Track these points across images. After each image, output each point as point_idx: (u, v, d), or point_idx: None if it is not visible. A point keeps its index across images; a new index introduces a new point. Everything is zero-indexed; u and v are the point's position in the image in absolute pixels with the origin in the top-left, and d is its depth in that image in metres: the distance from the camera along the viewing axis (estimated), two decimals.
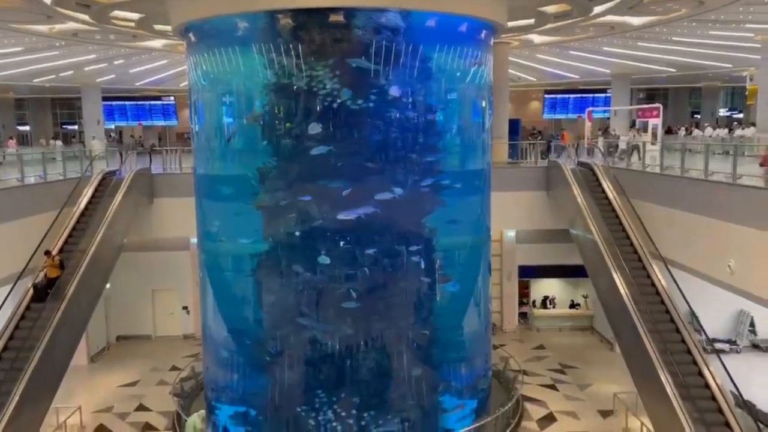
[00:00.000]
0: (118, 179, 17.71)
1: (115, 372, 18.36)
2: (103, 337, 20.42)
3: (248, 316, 13.82)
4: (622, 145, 19.66)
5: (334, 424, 12.98)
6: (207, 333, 14.96)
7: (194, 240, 16.77)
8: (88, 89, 33.56)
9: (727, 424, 11.49)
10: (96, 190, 17.17)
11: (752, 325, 19.34)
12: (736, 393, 12.20)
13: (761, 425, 12.24)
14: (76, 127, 44.00)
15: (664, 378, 12.14)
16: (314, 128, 12.44)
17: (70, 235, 15.63)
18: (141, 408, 15.88)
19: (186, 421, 11.93)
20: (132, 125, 44.58)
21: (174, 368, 17.99)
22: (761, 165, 11.04)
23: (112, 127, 44.14)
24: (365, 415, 12.97)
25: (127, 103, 43.19)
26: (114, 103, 42.25)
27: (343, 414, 12.98)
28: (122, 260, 17.59)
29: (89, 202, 16.74)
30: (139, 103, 43.42)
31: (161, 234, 18.84)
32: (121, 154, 20.64)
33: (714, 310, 17.97)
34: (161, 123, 44.75)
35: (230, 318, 14.17)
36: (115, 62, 28.69)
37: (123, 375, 18.06)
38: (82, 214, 16.33)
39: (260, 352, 13.59)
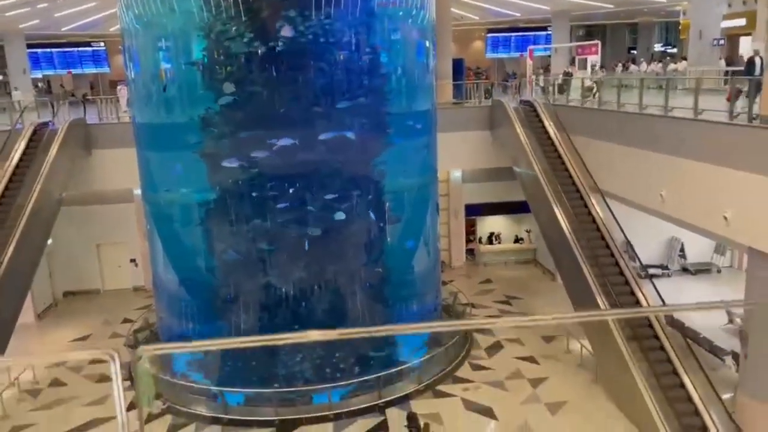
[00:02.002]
0: (52, 131, 16.97)
1: (65, 327, 18.11)
2: (48, 293, 19.97)
3: (200, 265, 13.82)
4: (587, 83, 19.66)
5: (290, 366, 13.33)
6: (159, 284, 14.90)
7: (138, 191, 16.41)
8: (10, 36, 31.42)
9: (659, 341, 12.43)
10: (29, 142, 16.43)
11: (682, 250, 20.57)
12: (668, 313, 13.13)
13: (689, 341, 13.27)
14: (0, 77, 41.38)
15: (602, 302, 12.93)
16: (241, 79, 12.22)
17: (5, 190, 15.01)
18: (95, 361, 15.73)
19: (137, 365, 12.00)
20: (60, 74, 42.21)
21: (126, 320, 17.88)
22: (727, 100, 11.59)
23: (40, 76, 41.70)
24: (321, 354, 13.36)
25: (54, 50, 40.68)
26: (39, 50, 39.74)
27: (299, 356, 13.34)
28: (64, 215, 17.11)
29: (23, 156, 16.04)
30: (67, 50, 40.95)
31: (102, 186, 18.31)
32: (52, 105, 19.68)
33: (648, 238, 19.02)
34: (92, 71, 42.47)
35: (182, 268, 14.14)
36: (39, 5, 26.87)
37: (73, 330, 17.84)
38: (16, 168, 15.66)
39: (214, 299, 13.68)
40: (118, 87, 21.79)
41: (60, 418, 13.03)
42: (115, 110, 20.16)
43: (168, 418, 12.80)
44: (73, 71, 42.66)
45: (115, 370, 2.50)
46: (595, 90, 17.99)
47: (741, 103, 11.55)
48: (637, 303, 13.12)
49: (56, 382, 14.73)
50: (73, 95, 32.25)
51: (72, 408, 13.47)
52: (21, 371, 14.41)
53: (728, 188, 10.91)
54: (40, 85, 41.29)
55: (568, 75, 22.16)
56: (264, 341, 2.74)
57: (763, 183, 9.93)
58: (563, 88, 20.19)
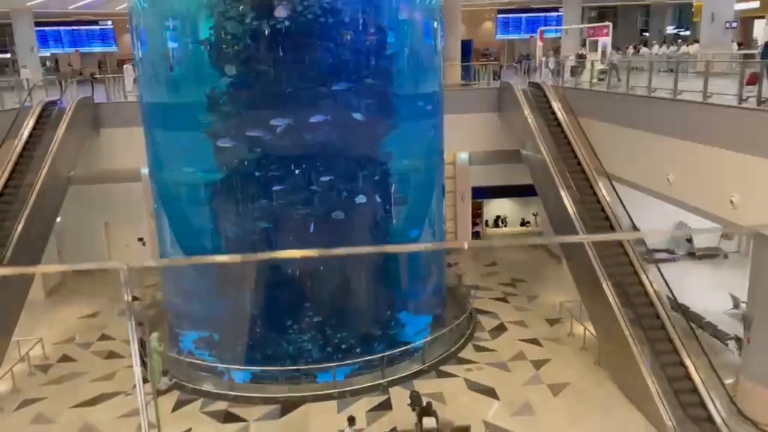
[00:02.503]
0: (60, 109, 17.04)
1: (74, 304, 18.34)
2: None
3: (206, 244, 13.91)
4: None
5: (298, 345, 13.47)
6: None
7: (145, 171, 16.50)
8: (18, 13, 31.40)
9: (663, 326, 12.47)
10: (37, 121, 16.52)
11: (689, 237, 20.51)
12: (672, 297, 13.16)
13: (693, 325, 13.29)
14: (8, 55, 41.37)
15: (606, 286, 12.96)
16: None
17: (14, 169, 15.13)
18: (104, 337, 16.05)
19: (147, 343, 12.23)
20: (68, 52, 42.19)
21: (134, 298, 18.05)
22: (748, 84, 11.45)
23: (48, 54, 41.71)
24: (327, 333, 13.48)
25: (61, 28, 40.67)
26: (48, 28, 39.73)
27: (306, 335, 13.47)
28: (73, 194, 17.23)
29: (31, 134, 16.14)
30: (74, 28, 40.91)
31: (110, 165, 18.41)
32: (60, 83, 19.72)
33: (655, 223, 18.96)
34: (99, 49, 42.44)
35: (188, 247, 14.24)
36: None
37: (82, 307, 18.07)
38: (25, 146, 15.77)
39: (221, 278, 13.80)
40: (125, 66, 21.80)
41: (69, 393, 13.26)
42: (122, 89, 20.17)
43: (175, 394, 13.01)
44: (81, 50, 42.63)
45: (124, 279, 2.71)
46: (607, 72, 17.83)
47: (751, 87, 11.41)
48: (641, 286, 13.15)
49: (65, 358, 14.97)
50: (80, 74, 32.26)
51: (81, 383, 13.71)
52: (31, 346, 14.66)
53: (735, 172, 10.85)
54: (48, 63, 41.31)
55: (581, 57, 21.93)
56: (250, 259, 2.89)
57: None
58: (576, 70, 20.00)
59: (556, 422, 11.65)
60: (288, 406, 12.50)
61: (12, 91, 18.85)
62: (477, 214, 23.48)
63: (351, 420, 10.66)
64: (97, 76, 27.54)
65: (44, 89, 19.46)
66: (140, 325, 15.22)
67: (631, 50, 29.03)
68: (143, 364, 13.59)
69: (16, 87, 18.89)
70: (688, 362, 11.69)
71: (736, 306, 15.50)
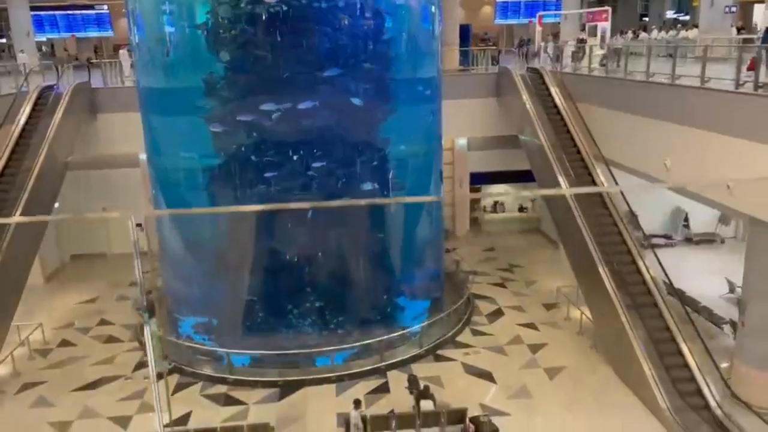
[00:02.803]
0: (57, 94, 16.97)
1: (73, 290, 18.39)
2: (56, 256, 20.24)
3: (205, 230, 13.94)
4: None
5: (297, 329, 13.56)
6: (165, 248, 15.06)
7: (143, 156, 16.47)
8: None
9: (659, 311, 12.56)
10: (34, 106, 16.46)
11: (686, 220, 20.57)
12: (668, 282, 13.24)
13: (689, 310, 13.39)
14: (4, 40, 41.08)
15: (603, 272, 13.04)
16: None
17: (12, 153, 15.10)
18: (103, 322, 16.13)
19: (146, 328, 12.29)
20: (64, 37, 41.87)
21: (133, 284, 18.10)
22: (749, 69, 11.43)
23: (44, 39, 41.41)
24: (326, 318, 13.56)
25: (57, 13, 40.33)
26: (43, 13, 39.40)
27: (304, 320, 13.54)
28: (71, 179, 17.21)
29: (28, 119, 16.08)
30: (70, 12, 40.58)
31: (108, 150, 18.37)
32: (57, 68, 19.61)
33: (652, 208, 19.02)
34: (95, 34, 42.11)
35: (187, 233, 14.28)
36: None
37: (81, 292, 18.13)
38: (22, 132, 15.72)
39: (219, 264, 13.85)
40: (120, 51, 21.66)
41: (70, 377, 13.35)
42: (119, 74, 20.08)
43: (175, 377, 13.11)
44: (77, 35, 42.29)
45: (132, 226, 2.79)
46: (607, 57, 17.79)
47: (750, 72, 11.39)
48: (638, 272, 13.22)
49: (65, 343, 15.06)
50: (76, 59, 32.03)
51: (81, 367, 13.80)
52: (31, 331, 14.73)
53: (732, 157, 10.87)
54: (44, 48, 41.01)
55: (582, 42, 21.82)
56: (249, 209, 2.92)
57: (764, 152, 9.91)
58: (577, 55, 19.91)
59: (552, 406, 11.77)
60: (287, 390, 12.61)
61: (9, 77, 18.76)
62: (475, 199, 23.50)
63: (357, 403, 10.76)
64: (94, 61, 27.35)
65: (41, 74, 19.35)
66: (139, 311, 15.33)
67: (630, 35, 28.87)
68: (142, 348, 13.67)
69: (13, 72, 18.77)
70: (683, 347, 11.79)
71: (731, 290, 15.61)
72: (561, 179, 14.94)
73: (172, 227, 14.56)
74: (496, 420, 10.79)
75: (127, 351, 14.50)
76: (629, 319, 12.24)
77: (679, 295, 13.65)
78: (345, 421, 10.89)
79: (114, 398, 12.43)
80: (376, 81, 13.28)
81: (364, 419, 10.67)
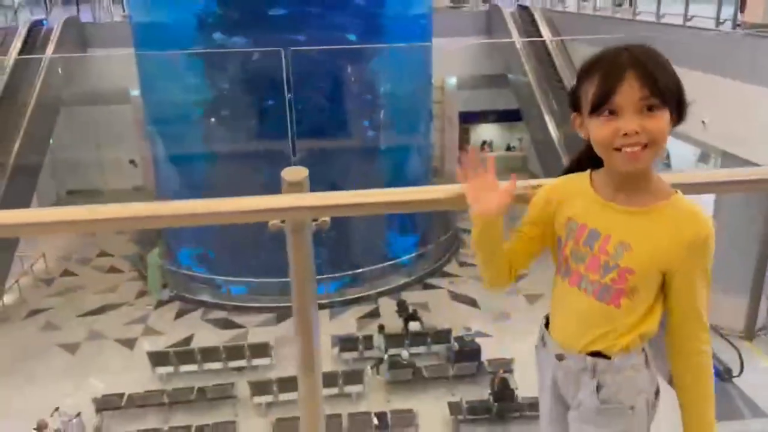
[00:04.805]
0: (47, 29, 16.91)
1: None
2: (53, 192, 20.55)
3: (200, 163, 14.31)
4: None
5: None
6: (160, 183, 15.45)
7: (135, 92, 16.61)
8: None
9: None
10: (25, 41, 16.42)
11: (668, 158, 21.07)
12: None
13: None
14: None
15: None
16: None
17: (5, 90, 15.19)
18: (103, 254, 16.66)
19: (148, 258, 12.89)
20: None
21: None
22: (741, 11, 11.68)
23: None
24: (319, 249, 14.13)
25: None
26: None
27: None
28: (64, 116, 17.35)
29: (20, 55, 16.08)
30: None
31: (99, 86, 18.40)
32: (45, 2, 19.39)
33: None
34: None
35: (182, 167, 14.63)
36: None
37: None
38: (14, 67, 15.75)
39: (214, 195, 14.27)
40: None
41: (74, 303, 13.99)
42: (109, 9, 19.84)
43: (176, 304, 13.79)
44: None
45: None
46: None
47: (730, 10, 11.68)
48: None
49: (67, 273, 15.63)
50: None
51: (85, 295, 14.43)
52: (35, 260, 15.25)
53: (709, 94, 11.30)
54: None
55: None
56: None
57: (740, 89, 10.37)
58: None
59: (531, 327, 12.33)
60: (283, 315, 13.33)
61: None
62: (464, 138, 23.84)
63: (381, 327, 11.48)
64: None
65: (28, 9, 19.13)
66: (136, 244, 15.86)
67: None
68: (143, 278, 14.25)
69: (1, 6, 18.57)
70: None
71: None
72: (548, 118, 15.34)
73: (166, 162, 14.89)
74: (479, 340, 11.60)
75: (129, 280, 15.10)
76: None
77: None
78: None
79: (119, 322, 13.10)
80: (366, 17, 13.44)
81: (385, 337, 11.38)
